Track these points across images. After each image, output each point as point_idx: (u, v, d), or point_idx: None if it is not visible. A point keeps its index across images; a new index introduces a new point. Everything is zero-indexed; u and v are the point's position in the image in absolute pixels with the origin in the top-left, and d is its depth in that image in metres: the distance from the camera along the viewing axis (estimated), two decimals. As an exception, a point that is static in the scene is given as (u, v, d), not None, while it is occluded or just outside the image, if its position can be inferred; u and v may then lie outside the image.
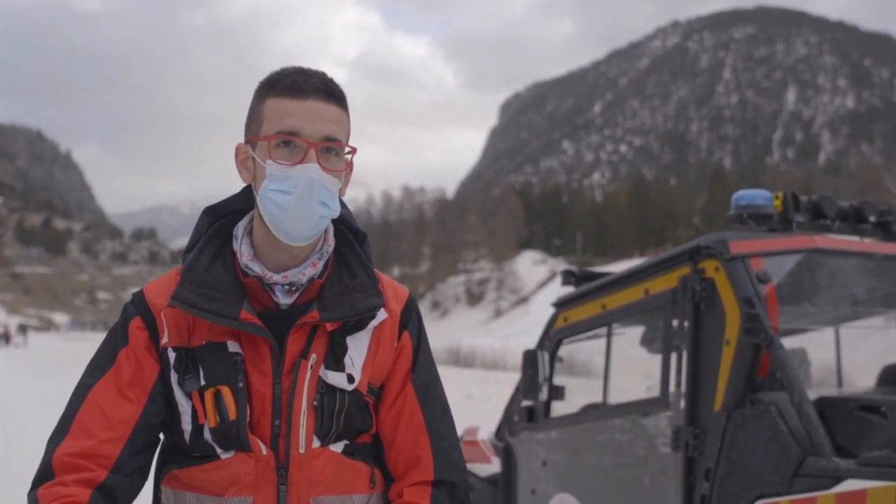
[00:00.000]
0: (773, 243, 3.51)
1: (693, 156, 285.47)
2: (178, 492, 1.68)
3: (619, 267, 4.77)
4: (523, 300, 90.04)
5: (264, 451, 1.63)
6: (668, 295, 3.63)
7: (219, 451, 1.64)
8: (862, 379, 4.73)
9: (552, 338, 4.45)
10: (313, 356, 1.66)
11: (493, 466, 4.97)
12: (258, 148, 1.65)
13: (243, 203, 1.76)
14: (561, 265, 78.75)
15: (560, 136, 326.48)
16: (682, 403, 3.48)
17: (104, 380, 1.65)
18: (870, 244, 3.82)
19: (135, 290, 1.78)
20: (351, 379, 1.68)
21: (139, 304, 1.71)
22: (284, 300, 1.68)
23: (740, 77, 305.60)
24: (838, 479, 2.82)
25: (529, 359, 4.30)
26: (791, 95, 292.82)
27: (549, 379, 4.32)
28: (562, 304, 4.43)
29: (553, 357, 4.37)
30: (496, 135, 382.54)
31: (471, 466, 4.98)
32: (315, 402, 1.65)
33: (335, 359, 1.67)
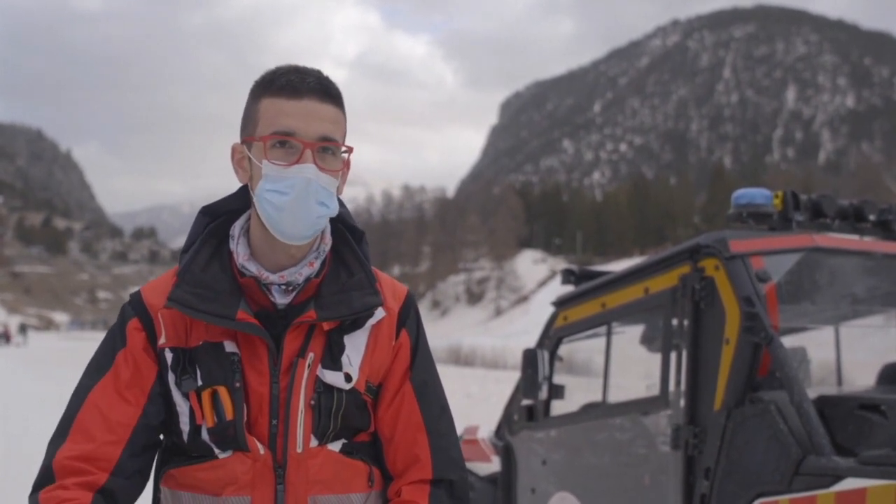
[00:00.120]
0: (772, 242, 3.51)
1: (693, 155, 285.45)
2: (175, 491, 1.68)
3: (619, 266, 4.77)
4: (523, 299, 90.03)
5: (262, 451, 1.63)
6: (668, 294, 3.63)
7: (216, 450, 1.64)
8: (862, 378, 4.73)
9: (552, 337, 4.45)
10: (310, 355, 1.65)
11: (493, 465, 4.97)
12: (254, 148, 1.64)
13: (240, 202, 1.76)
14: (561, 264, 78.76)
15: (560, 136, 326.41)
16: (682, 402, 3.48)
17: (103, 382, 1.65)
18: (869, 243, 3.82)
19: (135, 289, 1.78)
20: (348, 378, 1.67)
21: (136, 305, 1.71)
22: (281, 300, 1.68)
23: (740, 76, 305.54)
24: (838, 478, 2.82)
25: (529, 358, 4.30)
26: (791, 94, 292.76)
27: (549, 378, 4.32)
28: (562, 303, 4.43)
29: (553, 356, 4.37)
30: (496, 134, 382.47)
31: (471, 465, 4.98)
32: (312, 402, 1.64)
33: (332, 358, 1.67)
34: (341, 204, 1.76)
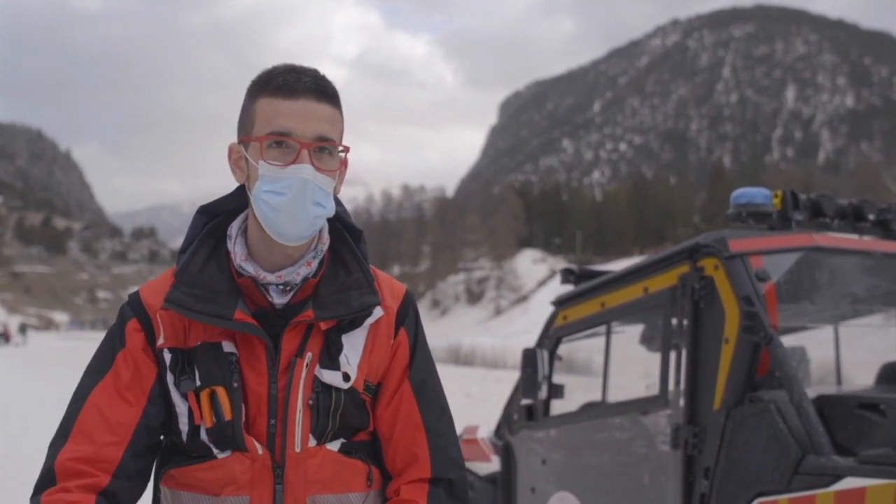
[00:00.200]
0: (772, 241, 3.51)
1: (693, 154, 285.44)
2: (175, 491, 1.68)
3: (619, 265, 4.77)
4: (523, 299, 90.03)
5: (260, 451, 1.63)
6: (668, 293, 3.63)
7: (215, 451, 1.64)
8: (861, 377, 4.73)
9: (552, 336, 4.45)
10: (308, 355, 1.65)
11: (493, 465, 4.97)
12: (251, 148, 1.64)
13: (237, 202, 1.76)
14: (560, 264, 78.79)
15: (560, 135, 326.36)
16: (682, 402, 3.48)
17: (103, 383, 1.65)
18: (869, 242, 3.82)
19: (134, 289, 1.77)
20: (346, 377, 1.67)
21: (135, 306, 1.70)
22: (279, 300, 1.67)
23: (740, 76, 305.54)
24: (837, 478, 2.82)
25: (529, 357, 4.30)
26: (790, 94, 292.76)
27: (549, 377, 4.32)
28: (561, 303, 4.43)
29: (552, 355, 4.37)
30: (496, 133, 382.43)
31: (470, 465, 4.98)
32: (311, 401, 1.64)
33: (330, 357, 1.67)
34: (339, 203, 1.76)
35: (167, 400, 1.68)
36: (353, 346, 1.70)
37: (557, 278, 4.86)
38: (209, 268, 1.69)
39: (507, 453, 4.69)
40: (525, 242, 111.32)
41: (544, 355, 4.31)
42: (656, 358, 3.76)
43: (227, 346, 1.65)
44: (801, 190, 3.85)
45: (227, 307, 1.63)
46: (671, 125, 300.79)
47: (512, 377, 18.31)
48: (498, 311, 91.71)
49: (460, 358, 36.85)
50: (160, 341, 1.67)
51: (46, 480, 1.58)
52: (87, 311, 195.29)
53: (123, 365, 1.66)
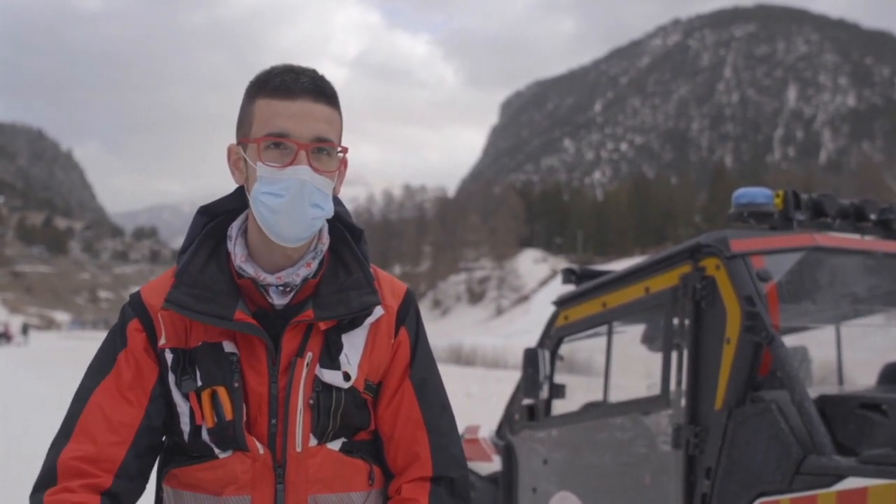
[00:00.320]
0: (773, 241, 3.51)
1: (694, 154, 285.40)
2: (177, 491, 1.68)
3: (620, 265, 4.76)
4: (524, 298, 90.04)
5: (261, 451, 1.63)
6: (669, 293, 3.62)
7: (216, 450, 1.64)
8: (863, 377, 4.73)
9: (553, 336, 4.44)
10: (309, 355, 1.65)
11: (494, 465, 4.96)
12: (249, 149, 1.63)
13: (238, 202, 1.75)
14: (562, 263, 78.74)
15: (561, 135, 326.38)
16: (683, 402, 3.48)
17: (105, 382, 1.65)
18: (870, 242, 3.81)
19: (136, 289, 1.77)
20: (347, 377, 1.67)
21: (136, 306, 1.70)
22: (279, 301, 1.67)
23: (741, 75, 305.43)
24: (839, 478, 2.82)
25: (530, 357, 4.30)
26: (792, 94, 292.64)
27: (550, 377, 4.32)
28: (562, 303, 4.43)
29: (554, 355, 4.37)
30: (497, 133, 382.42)
31: (472, 465, 4.98)
32: (311, 401, 1.64)
33: (330, 357, 1.67)
34: (340, 202, 1.76)
35: (168, 400, 1.68)
36: (354, 345, 1.70)
37: (558, 278, 4.85)
38: (209, 268, 1.69)
39: (508, 453, 4.68)
40: (526, 242, 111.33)
41: (546, 355, 4.31)
42: (658, 358, 3.76)
43: (228, 346, 1.65)
44: (803, 190, 3.85)
45: (227, 307, 1.63)
46: (672, 125, 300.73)
47: (513, 377, 18.31)
48: (499, 311, 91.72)
49: (461, 358, 36.85)
50: (162, 341, 1.67)
51: (48, 478, 1.58)
52: (88, 310, 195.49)
53: (125, 365, 1.66)
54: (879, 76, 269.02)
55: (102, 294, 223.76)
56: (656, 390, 3.69)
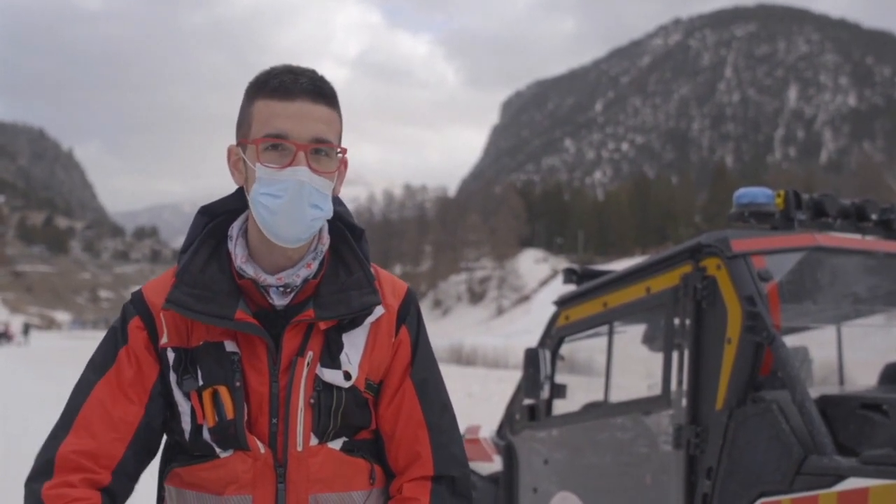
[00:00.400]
0: (774, 241, 3.51)
1: (694, 154, 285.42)
2: (179, 490, 1.68)
3: (621, 265, 4.76)
4: (525, 298, 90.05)
5: (262, 450, 1.63)
6: (670, 293, 3.62)
7: (217, 450, 1.64)
8: (863, 377, 4.73)
9: (554, 336, 4.44)
10: (309, 354, 1.65)
11: (495, 465, 4.96)
12: (248, 150, 1.63)
13: (239, 202, 1.75)
14: (562, 263, 78.79)
15: (561, 135, 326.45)
16: (684, 402, 3.48)
17: (106, 378, 1.65)
18: (871, 242, 3.81)
19: (136, 288, 1.77)
20: (347, 376, 1.67)
21: (138, 304, 1.70)
22: (279, 301, 1.67)
23: (742, 75, 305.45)
24: (840, 478, 2.82)
25: (531, 357, 4.30)
26: (793, 93, 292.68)
27: (551, 377, 4.32)
28: (563, 303, 4.43)
29: (555, 355, 4.37)
30: (497, 133, 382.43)
31: (472, 465, 4.97)
32: (312, 400, 1.64)
33: (331, 356, 1.67)
34: (340, 202, 1.76)
35: (168, 399, 1.68)
36: (354, 344, 1.70)
37: (559, 278, 4.86)
38: (210, 268, 1.68)
39: (509, 453, 4.68)
40: (527, 242, 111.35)
41: (546, 355, 4.31)
42: (658, 358, 3.76)
43: (230, 346, 1.65)
44: (804, 190, 3.85)
45: (227, 307, 1.63)
46: (673, 125, 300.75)
47: (514, 377, 18.31)
48: (500, 311, 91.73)
49: (462, 358, 36.86)
50: (163, 340, 1.67)
51: (44, 469, 1.57)
52: (89, 310, 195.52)
53: (126, 362, 1.66)
54: (880, 76, 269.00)
55: (103, 294, 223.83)
56: (657, 390, 3.69)
